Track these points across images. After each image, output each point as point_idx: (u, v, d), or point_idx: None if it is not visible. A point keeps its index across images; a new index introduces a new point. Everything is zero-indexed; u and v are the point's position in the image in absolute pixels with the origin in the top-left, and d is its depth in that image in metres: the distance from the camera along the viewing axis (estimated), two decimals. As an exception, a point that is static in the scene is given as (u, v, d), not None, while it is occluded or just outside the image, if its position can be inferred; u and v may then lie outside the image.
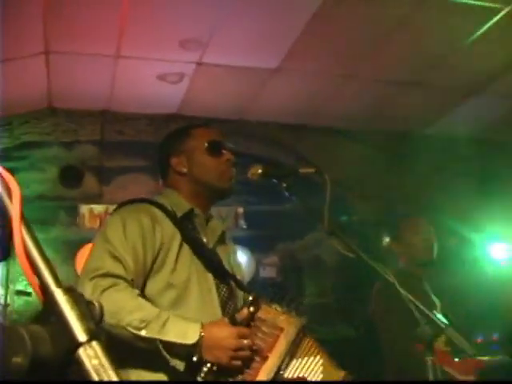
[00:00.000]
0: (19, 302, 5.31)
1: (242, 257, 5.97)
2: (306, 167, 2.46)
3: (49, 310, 1.00)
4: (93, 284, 2.22)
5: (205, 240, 2.64)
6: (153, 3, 4.42)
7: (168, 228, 2.49)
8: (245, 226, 6.27)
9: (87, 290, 2.18)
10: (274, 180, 2.50)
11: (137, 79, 5.62)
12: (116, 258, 2.32)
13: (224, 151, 2.69)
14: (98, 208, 6.01)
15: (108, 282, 2.24)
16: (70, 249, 5.78)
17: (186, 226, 2.57)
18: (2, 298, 5.41)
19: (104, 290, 2.21)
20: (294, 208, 2.32)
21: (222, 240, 2.75)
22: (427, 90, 5.90)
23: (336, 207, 2.32)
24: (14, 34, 4.45)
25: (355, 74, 5.60)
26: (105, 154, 6.23)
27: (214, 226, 2.74)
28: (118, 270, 2.30)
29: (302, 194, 2.43)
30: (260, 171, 2.53)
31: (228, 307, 2.51)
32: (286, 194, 2.44)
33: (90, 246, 5.15)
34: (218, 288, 2.51)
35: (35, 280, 1.02)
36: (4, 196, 1.05)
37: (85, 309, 1.02)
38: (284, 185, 2.46)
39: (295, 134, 6.70)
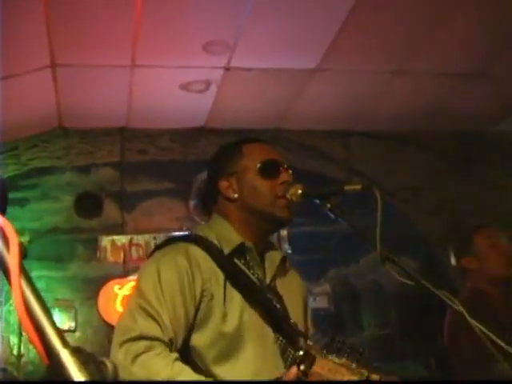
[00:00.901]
0: (34, 351, 5.25)
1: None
2: (352, 184, 2.43)
3: (55, 374, 0.98)
4: (124, 350, 2.19)
5: (259, 276, 2.57)
6: (171, 4, 4.45)
7: (208, 269, 2.45)
8: (290, 251, 6.15)
9: (118, 358, 2.17)
10: (317, 201, 2.47)
11: (157, 90, 5.66)
12: (150, 316, 2.28)
13: (281, 169, 2.62)
14: (121, 239, 6.03)
15: (141, 346, 2.21)
16: (91, 287, 5.82)
17: (233, 264, 2.52)
18: (16, 347, 5.48)
19: (136, 357, 2.18)
20: (345, 227, 2.31)
21: (282, 269, 2.68)
22: (494, 81, 5.83)
23: (394, 224, 2.26)
24: (15, 45, 4.47)
25: (407, 68, 5.55)
26: (126, 177, 6.26)
27: (271, 257, 2.67)
28: (152, 330, 2.26)
29: (354, 212, 2.43)
30: (300, 192, 2.52)
31: (288, 353, 2.47)
32: (332, 215, 2.42)
33: (113, 282, 5.85)
34: (274, 332, 2.48)
35: (38, 340, 1.01)
36: (1, 246, 1.05)
37: (95, 370, 0.99)
38: (328, 205, 2.42)
39: (343, 141, 6.70)
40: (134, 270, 5.48)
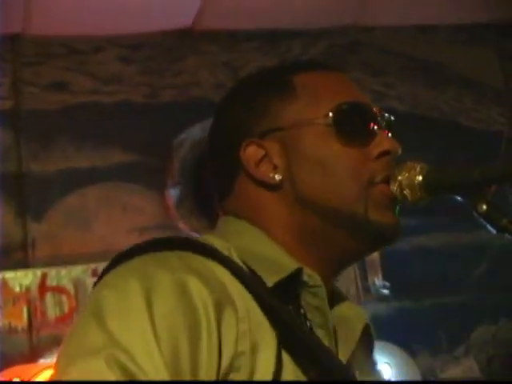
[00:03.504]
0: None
1: (388, 369, 5.80)
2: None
3: None
4: None
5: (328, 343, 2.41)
6: None
7: (253, 315, 2.28)
8: (386, 290, 6.11)
9: None
10: (458, 197, 2.40)
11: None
12: (130, 375, 2.05)
13: (377, 127, 2.46)
14: (23, 278, 5.79)
15: None
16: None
17: (288, 310, 2.39)
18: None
19: None
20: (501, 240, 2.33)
21: (365, 345, 2.57)
22: None
23: None
24: None
25: None
26: (27, 143, 6.07)
27: (345, 314, 2.54)
28: None
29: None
30: (420, 179, 2.40)
31: None
32: (488, 225, 2.31)
33: (8, 373, 5.80)
34: None
35: None
36: None
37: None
38: (484, 207, 2.29)
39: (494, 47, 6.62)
40: (52, 344, 5.59)
